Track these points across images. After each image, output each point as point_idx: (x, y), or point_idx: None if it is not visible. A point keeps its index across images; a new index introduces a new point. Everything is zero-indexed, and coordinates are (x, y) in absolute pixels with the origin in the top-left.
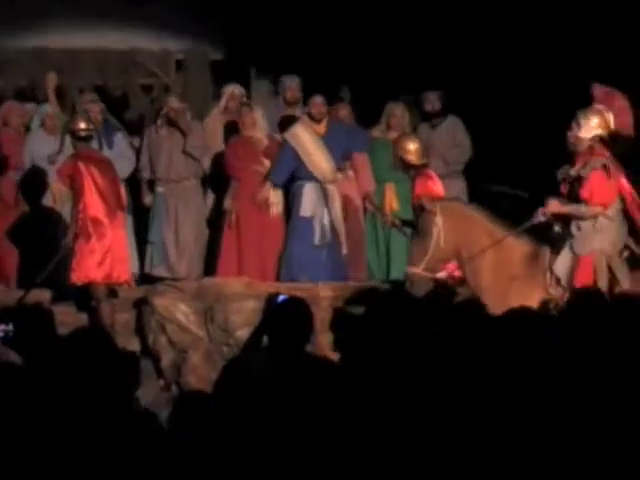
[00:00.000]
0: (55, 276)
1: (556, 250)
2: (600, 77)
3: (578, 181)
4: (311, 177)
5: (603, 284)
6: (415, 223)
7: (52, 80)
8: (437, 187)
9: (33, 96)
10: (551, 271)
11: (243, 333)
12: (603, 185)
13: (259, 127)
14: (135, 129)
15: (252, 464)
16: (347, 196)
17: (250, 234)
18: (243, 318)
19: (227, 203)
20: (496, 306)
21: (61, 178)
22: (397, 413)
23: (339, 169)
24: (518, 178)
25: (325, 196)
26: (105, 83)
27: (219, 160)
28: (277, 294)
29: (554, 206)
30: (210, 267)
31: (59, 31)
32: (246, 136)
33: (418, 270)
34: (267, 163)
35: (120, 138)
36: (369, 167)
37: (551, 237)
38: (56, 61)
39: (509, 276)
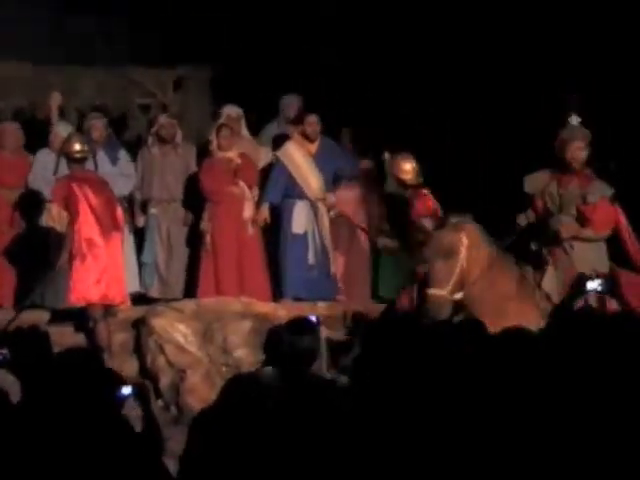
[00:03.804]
0: (52, 297)
1: (537, 267)
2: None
3: (582, 202)
4: (302, 195)
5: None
6: (409, 242)
7: (56, 99)
8: (435, 206)
9: (32, 117)
10: (539, 287)
11: (242, 353)
12: (609, 213)
13: (234, 148)
14: (133, 149)
15: None
16: (349, 216)
17: (227, 255)
18: (242, 338)
19: (203, 224)
20: (496, 326)
21: (55, 199)
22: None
23: (330, 191)
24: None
25: (315, 214)
26: (103, 103)
27: (194, 182)
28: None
29: (572, 229)
30: (189, 288)
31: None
32: (218, 157)
33: (444, 292)
34: (241, 183)
35: (123, 155)
36: None
37: (529, 254)
38: (55, 81)
39: (504, 296)
